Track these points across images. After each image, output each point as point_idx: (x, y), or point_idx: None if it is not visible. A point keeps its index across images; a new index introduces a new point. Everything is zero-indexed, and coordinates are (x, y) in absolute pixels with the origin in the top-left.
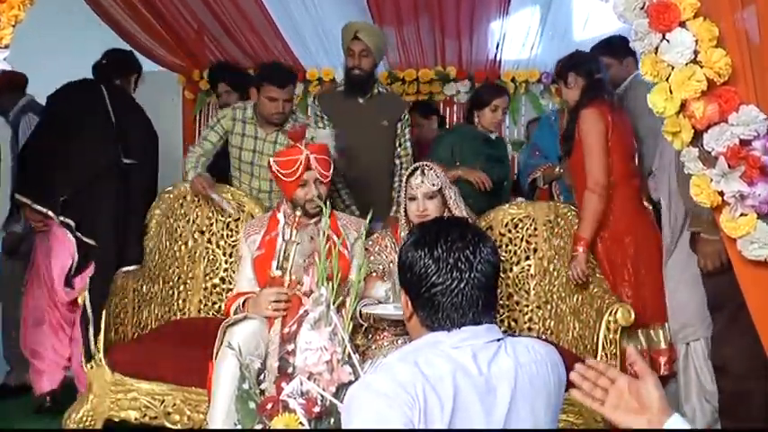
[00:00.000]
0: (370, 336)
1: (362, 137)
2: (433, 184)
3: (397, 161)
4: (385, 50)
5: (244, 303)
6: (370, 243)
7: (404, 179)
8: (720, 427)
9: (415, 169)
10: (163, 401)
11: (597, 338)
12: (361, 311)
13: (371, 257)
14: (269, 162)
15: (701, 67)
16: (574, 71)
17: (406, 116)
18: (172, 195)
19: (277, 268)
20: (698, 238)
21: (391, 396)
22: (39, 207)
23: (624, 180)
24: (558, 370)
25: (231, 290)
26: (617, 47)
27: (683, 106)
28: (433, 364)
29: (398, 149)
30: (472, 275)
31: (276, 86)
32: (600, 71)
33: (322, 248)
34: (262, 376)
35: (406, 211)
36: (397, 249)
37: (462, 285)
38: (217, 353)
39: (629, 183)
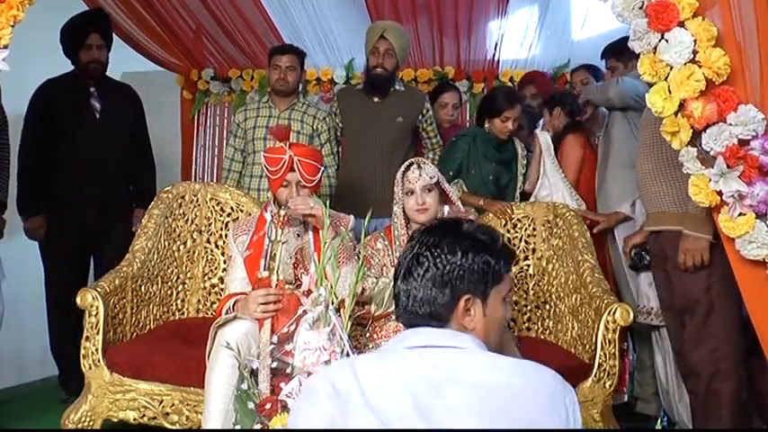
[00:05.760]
0: (368, 334)
1: (374, 135)
2: (431, 177)
3: (431, 155)
4: (408, 52)
5: (234, 305)
6: (363, 246)
7: (399, 176)
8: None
9: (410, 164)
10: (161, 402)
11: (596, 338)
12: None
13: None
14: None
15: (700, 66)
16: (560, 106)
17: (428, 111)
18: (170, 195)
19: (264, 269)
20: (683, 235)
21: (313, 389)
22: None
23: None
24: (532, 406)
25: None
26: (622, 49)
27: (682, 106)
28: (372, 361)
29: (426, 142)
30: (429, 278)
31: (278, 54)
32: (580, 113)
33: (322, 247)
34: (261, 376)
35: (403, 207)
36: (391, 251)
37: (415, 285)
38: (209, 353)
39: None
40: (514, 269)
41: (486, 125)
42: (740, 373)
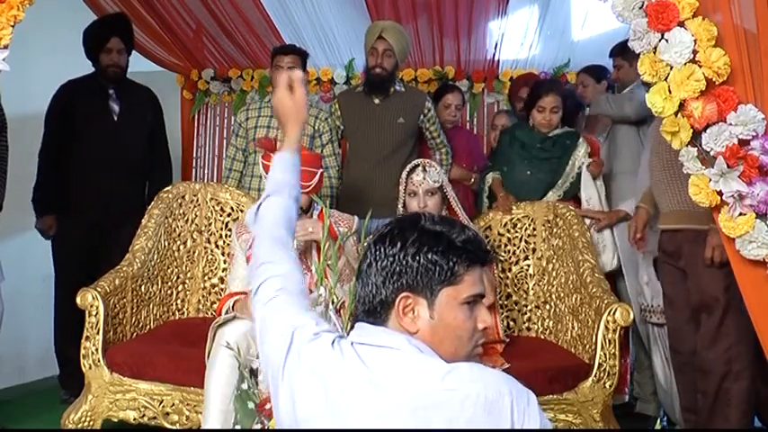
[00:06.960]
0: None
1: (375, 136)
2: (435, 181)
3: (438, 155)
4: (408, 52)
5: (234, 305)
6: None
7: (403, 175)
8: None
9: (416, 166)
10: (161, 402)
11: (596, 338)
12: None
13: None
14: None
15: (700, 66)
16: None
17: (430, 111)
18: (170, 195)
19: None
20: (710, 231)
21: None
22: None
23: None
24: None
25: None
26: (628, 47)
27: (682, 106)
28: (318, 348)
29: (431, 142)
30: (371, 274)
31: (280, 54)
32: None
33: (322, 247)
34: (261, 376)
35: (405, 208)
36: None
37: (365, 281)
38: (208, 353)
39: None
40: (514, 269)
41: (531, 120)
42: (752, 374)
